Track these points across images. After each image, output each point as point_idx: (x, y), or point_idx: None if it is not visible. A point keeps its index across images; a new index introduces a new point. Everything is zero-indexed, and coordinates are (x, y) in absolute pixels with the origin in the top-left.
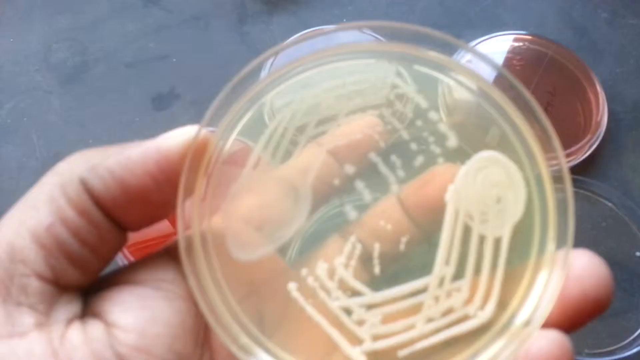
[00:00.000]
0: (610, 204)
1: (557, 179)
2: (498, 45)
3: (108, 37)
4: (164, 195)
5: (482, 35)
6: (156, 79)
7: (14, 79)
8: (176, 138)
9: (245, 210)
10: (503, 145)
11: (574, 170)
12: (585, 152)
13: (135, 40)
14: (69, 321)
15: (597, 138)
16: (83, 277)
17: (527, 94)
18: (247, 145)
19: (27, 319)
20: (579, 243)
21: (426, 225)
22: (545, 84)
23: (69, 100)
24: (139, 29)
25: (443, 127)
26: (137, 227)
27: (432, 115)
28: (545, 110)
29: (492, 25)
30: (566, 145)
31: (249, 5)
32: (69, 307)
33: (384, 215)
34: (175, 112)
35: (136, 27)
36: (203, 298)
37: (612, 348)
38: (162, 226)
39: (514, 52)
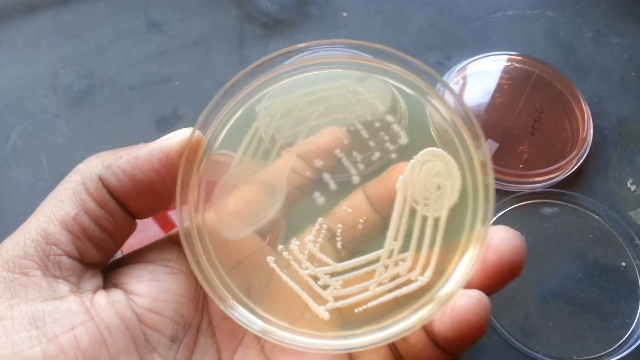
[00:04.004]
0: (597, 217)
1: (484, 173)
2: (487, 65)
3: (113, 61)
4: (167, 186)
5: (472, 55)
6: (159, 101)
7: (23, 104)
8: (175, 139)
9: (232, 204)
10: (446, 143)
11: (562, 184)
12: (573, 167)
13: (138, 65)
14: (95, 290)
15: (584, 153)
16: (102, 256)
17: (468, 111)
18: (230, 155)
19: (63, 287)
20: (568, 254)
21: (384, 210)
22: (533, 101)
23: (76, 123)
24: (143, 53)
25: (396, 128)
26: (146, 215)
27: (388, 117)
28: (533, 127)
29: (482, 46)
30: (554, 160)
31: (248, 30)
32: (93, 280)
33: (351, 204)
34: None
35: (140, 52)
36: (199, 271)
37: (599, 354)
38: (156, 232)
39: (502, 72)
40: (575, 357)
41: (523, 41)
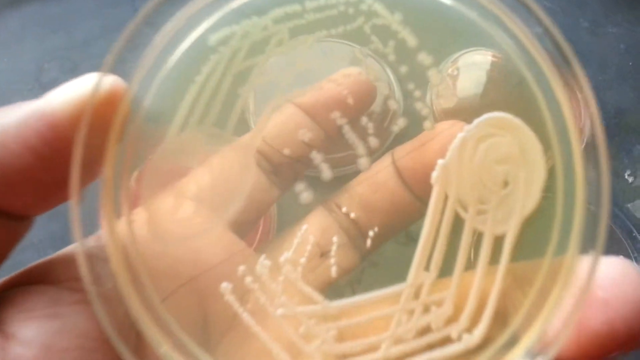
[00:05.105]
0: None
1: (588, 158)
2: (481, 57)
3: (99, 56)
4: (55, 172)
5: (466, 47)
6: None
7: (8, 99)
8: (64, 96)
9: (171, 196)
10: (520, 105)
11: None
12: None
13: None
14: None
15: (581, 145)
16: None
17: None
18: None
19: None
20: None
21: (425, 198)
22: None
23: None
24: None
25: (436, 77)
26: (36, 212)
27: (423, 57)
28: None
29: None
30: None
31: None
32: None
33: (355, 196)
34: None
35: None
36: (104, 305)
37: None
38: None
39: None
40: None
41: None
